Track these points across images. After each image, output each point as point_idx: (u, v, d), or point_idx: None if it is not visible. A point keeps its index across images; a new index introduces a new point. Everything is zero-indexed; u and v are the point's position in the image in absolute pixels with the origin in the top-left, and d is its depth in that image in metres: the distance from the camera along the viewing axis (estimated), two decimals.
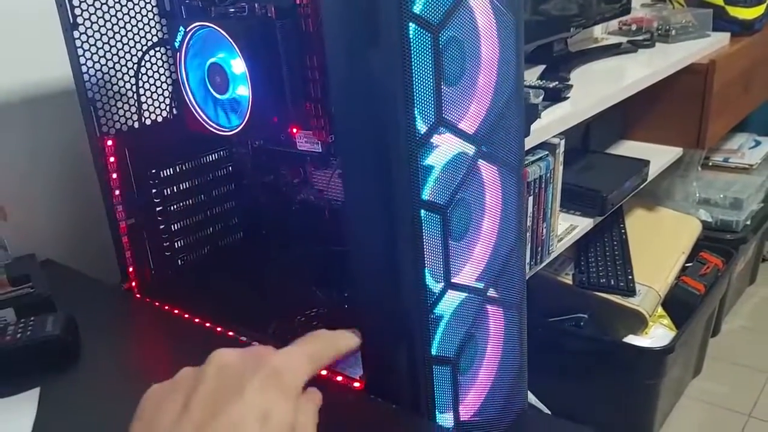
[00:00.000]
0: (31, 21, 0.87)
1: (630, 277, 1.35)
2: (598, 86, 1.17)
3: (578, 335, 1.31)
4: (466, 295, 0.59)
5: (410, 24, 0.48)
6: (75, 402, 0.61)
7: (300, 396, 0.38)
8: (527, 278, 0.88)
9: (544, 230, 1.01)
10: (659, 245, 1.48)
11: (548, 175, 0.98)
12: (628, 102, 1.20)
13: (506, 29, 0.57)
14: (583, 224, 1.14)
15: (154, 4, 0.79)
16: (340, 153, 0.58)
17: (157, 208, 0.83)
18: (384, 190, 0.54)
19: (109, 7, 0.75)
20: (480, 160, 0.58)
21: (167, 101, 0.83)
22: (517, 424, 0.69)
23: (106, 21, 0.75)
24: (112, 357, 0.68)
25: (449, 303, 0.58)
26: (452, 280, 0.58)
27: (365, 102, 0.53)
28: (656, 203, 1.65)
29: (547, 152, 0.97)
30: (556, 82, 1.07)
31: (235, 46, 0.68)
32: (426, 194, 0.53)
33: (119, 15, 0.76)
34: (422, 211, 0.53)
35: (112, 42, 0.76)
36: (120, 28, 0.76)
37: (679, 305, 1.41)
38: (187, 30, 0.71)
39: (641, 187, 1.28)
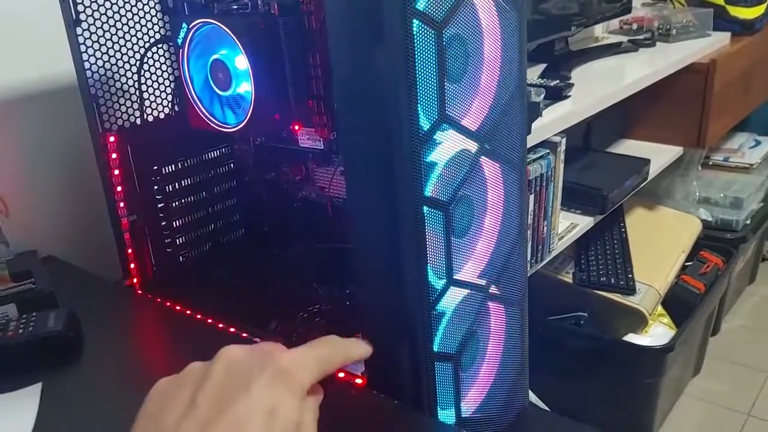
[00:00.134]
0: (33, 17, 0.87)
1: (630, 275, 1.35)
2: (598, 85, 1.17)
3: (578, 334, 1.31)
4: (468, 291, 0.60)
5: (414, 21, 0.49)
6: (77, 397, 0.61)
7: (306, 395, 0.39)
8: (528, 276, 0.88)
9: (545, 228, 1.01)
10: (659, 244, 1.48)
11: (549, 173, 0.98)
12: (628, 101, 1.20)
13: (509, 27, 0.58)
14: (584, 223, 1.14)
15: (157, 1, 0.79)
16: (343, 150, 0.59)
17: (159, 205, 0.83)
18: (387, 186, 0.54)
19: (112, 4, 0.75)
20: (482, 157, 0.58)
21: (170, 98, 0.83)
22: (518, 421, 0.69)
23: (108, 17, 0.75)
24: (114, 353, 0.68)
25: (451, 300, 0.58)
26: (454, 277, 0.58)
27: (368, 99, 0.53)
28: (656, 202, 1.65)
29: (548, 150, 0.97)
30: (557, 81, 1.08)
31: (237, 42, 0.68)
32: (429, 191, 0.53)
33: (122, 11, 0.76)
34: (425, 207, 0.54)
35: (115, 38, 0.76)
36: (123, 24, 0.76)
37: (679, 304, 1.41)
38: (190, 26, 0.71)
39: (642, 185, 1.29)
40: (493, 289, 0.63)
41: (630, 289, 1.32)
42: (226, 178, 0.90)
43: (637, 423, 1.34)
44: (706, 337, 1.58)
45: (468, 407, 0.63)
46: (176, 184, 0.85)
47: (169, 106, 0.83)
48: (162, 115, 0.82)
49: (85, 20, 0.73)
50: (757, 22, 1.62)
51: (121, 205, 0.79)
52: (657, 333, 1.33)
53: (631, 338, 1.31)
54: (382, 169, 0.54)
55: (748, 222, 1.70)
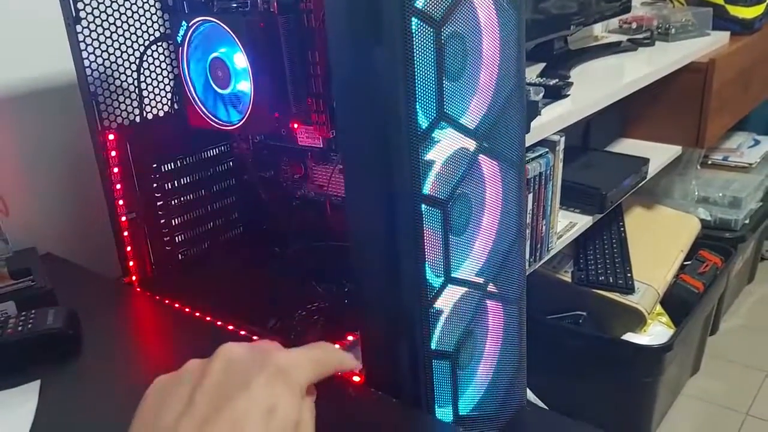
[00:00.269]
0: (33, 15, 0.87)
1: (629, 274, 1.35)
2: (598, 84, 1.17)
3: (577, 333, 1.31)
4: (466, 290, 0.60)
5: (413, 19, 0.49)
6: (75, 395, 0.61)
7: (305, 395, 0.39)
8: (526, 275, 0.88)
9: (544, 227, 1.01)
10: (658, 243, 1.48)
11: (548, 172, 0.98)
12: (627, 100, 1.20)
13: (508, 25, 0.58)
14: (583, 222, 1.14)
15: None
16: (342, 148, 0.59)
17: (158, 203, 0.83)
18: (385, 184, 0.54)
19: (112, 2, 0.75)
20: (481, 155, 0.58)
21: (169, 96, 0.83)
22: (516, 419, 0.70)
23: (108, 15, 0.75)
24: (113, 350, 0.68)
25: (449, 298, 0.58)
26: (452, 275, 0.58)
27: (367, 97, 0.53)
28: (655, 201, 1.65)
29: (547, 149, 0.97)
30: (557, 80, 1.08)
31: (237, 40, 0.68)
32: (427, 189, 0.54)
33: (122, 9, 0.76)
34: (423, 205, 0.54)
35: (115, 36, 0.76)
36: (122, 22, 0.76)
37: (677, 303, 1.41)
38: (190, 25, 0.72)
39: (640, 185, 1.29)
40: (491, 288, 0.63)
41: (629, 289, 1.32)
42: (225, 177, 0.90)
43: (635, 422, 1.35)
44: (704, 336, 1.58)
45: (466, 405, 0.63)
46: (175, 182, 0.85)
47: (169, 104, 0.83)
48: (161, 113, 0.83)
49: (85, 18, 0.73)
50: (756, 22, 1.62)
51: (121, 202, 0.80)
52: (655, 332, 1.33)
53: (630, 337, 1.31)
54: (381, 167, 0.54)
55: (747, 221, 1.70)
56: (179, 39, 0.73)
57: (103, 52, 0.75)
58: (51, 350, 0.65)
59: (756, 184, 1.77)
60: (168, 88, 0.83)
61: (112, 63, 0.76)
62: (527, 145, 0.89)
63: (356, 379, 0.64)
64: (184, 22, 0.72)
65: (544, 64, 1.27)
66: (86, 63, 0.74)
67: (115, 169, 0.78)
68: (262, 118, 0.71)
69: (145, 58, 0.79)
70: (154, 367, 0.61)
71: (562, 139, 1.00)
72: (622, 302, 1.31)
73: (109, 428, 0.54)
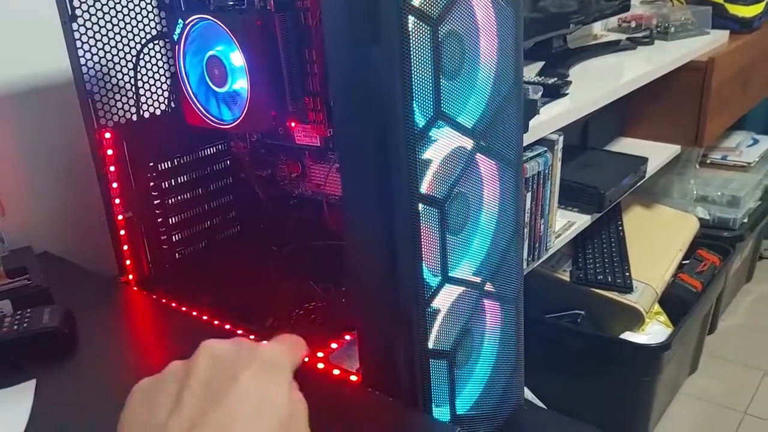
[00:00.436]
0: (28, 13, 0.87)
1: (627, 273, 1.35)
2: (597, 83, 1.17)
3: (575, 332, 1.31)
4: (464, 289, 0.60)
5: (409, 17, 0.48)
6: (71, 394, 0.61)
7: (293, 386, 0.38)
8: (524, 274, 0.88)
9: (542, 226, 1.01)
10: (657, 242, 1.48)
11: (546, 171, 0.98)
12: (626, 99, 1.20)
13: (506, 23, 0.57)
14: (581, 221, 1.14)
15: None
16: (338, 147, 0.58)
17: (155, 201, 0.83)
18: (382, 183, 0.54)
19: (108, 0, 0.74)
20: (478, 154, 0.58)
21: (166, 94, 0.83)
22: (514, 418, 0.69)
23: (105, 13, 0.75)
24: (109, 349, 0.68)
25: (446, 297, 0.58)
26: (449, 274, 0.58)
27: (364, 95, 0.52)
28: (654, 200, 1.65)
29: (545, 148, 0.97)
30: (555, 79, 1.07)
31: (233, 38, 0.68)
32: (424, 188, 0.53)
33: (118, 7, 0.76)
34: (420, 204, 0.53)
35: (111, 34, 0.76)
36: (119, 20, 0.76)
37: (675, 302, 1.41)
38: (186, 22, 0.71)
39: (639, 184, 1.28)
40: (488, 287, 0.63)
41: (627, 288, 1.32)
42: (223, 175, 0.90)
43: (633, 421, 1.34)
44: (702, 335, 1.58)
45: (463, 404, 0.63)
46: (172, 180, 0.84)
47: (166, 102, 0.83)
48: (158, 112, 0.82)
49: (81, 16, 0.72)
50: (755, 21, 1.62)
51: (117, 201, 0.79)
52: (654, 331, 1.33)
53: (628, 336, 1.31)
54: (378, 166, 0.53)
55: (746, 220, 1.70)
56: (176, 37, 0.73)
57: (99, 50, 0.75)
58: (46, 349, 0.65)
59: (755, 183, 1.77)
60: (165, 87, 0.82)
61: (108, 61, 0.76)
62: (526, 144, 0.89)
63: (353, 378, 0.64)
64: (180, 20, 0.72)
65: (542, 63, 1.26)
66: (82, 61, 0.73)
67: (112, 168, 0.78)
68: (259, 117, 0.71)
69: (141, 56, 0.79)
70: (150, 366, 0.61)
71: (561, 138, 1.00)
72: (620, 301, 1.31)
73: (105, 427, 0.53)
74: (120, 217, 0.80)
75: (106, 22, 0.75)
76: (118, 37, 0.76)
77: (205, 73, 0.73)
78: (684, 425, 1.45)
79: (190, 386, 0.34)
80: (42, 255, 0.86)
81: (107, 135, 0.77)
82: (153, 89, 0.81)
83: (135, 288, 0.82)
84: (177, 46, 0.73)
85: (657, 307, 1.39)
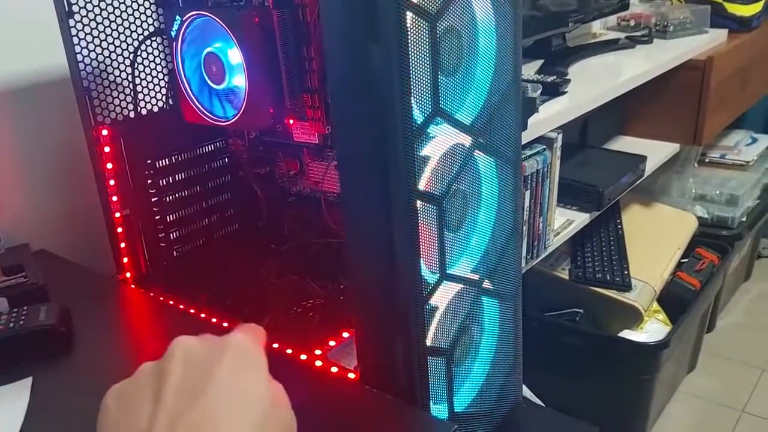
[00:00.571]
0: (25, 9, 0.86)
1: (626, 272, 1.34)
2: (595, 81, 1.16)
3: (574, 330, 1.31)
4: (462, 286, 0.59)
5: (408, 13, 0.48)
6: (67, 392, 0.61)
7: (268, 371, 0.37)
8: (523, 272, 0.88)
9: (541, 224, 1.00)
10: (655, 241, 1.48)
11: (545, 169, 0.97)
12: (625, 97, 1.20)
13: (504, 20, 0.57)
14: (580, 219, 1.13)
15: None
16: (337, 144, 0.58)
17: (153, 199, 0.83)
18: (380, 180, 0.53)
19: None
20: (477, 151, 0.58)
21: (163, 91, 0.82)
22: (512, 416, 0.69)
23: (102, 9, 0.74)
24: (106, 347, 0.68)
25: (444, 294, 0.58)
26: (447, 272, 0.58)
27: (362, 92, 0.52)
28: (653, 199, 1.65)
29: (544, 146, 0.97)
30: (554, 77, 1.07)
31: (231, 35, 0.68)
32: (422, 185, 0.53)
33: (115, 3, 0.75)
34: (418, 201, 0.53)
35: (108, 31, 0.75)
36: (116, 17, 0.76)
37: (674, 301, 1.41)
38: (184, 19, 0.71)
39: (638, 182, 1.28)
40: (486, 284, 0.62)
41: (626, 286, 1.32)
42: (220, 173, 0.90)
43: (631, 419, 1.34)
44: (701, 333, 1.58)
45: (461, 402, 0.63)
46: (170, 178, 0.84)
47: (163, 99, 0.83)
48: (156, 109, 0.82)
49: (78, 12, 0.72)
50: (754, 19, 1.62)
51: (114, 199, 0.79)
52: (652, 329, 1.33)
53: (627, 334, 1.31)
54: (376, 163, 0.53)
55: (744, 219, 1.70)
56: (173, 33, 0.73)
57: (96, 46, 0.74)
58: (43, 347, 0.65)
59: (753, 182, 1.77)
60: (162, 84, 0.82)
61: (105, 58, 0.76)
62: (525, 142, 0.89)
63: (351, 376, 0.64)
64: (178, 17, 0.72)
65: (542, 61, 1.26)
66: (79, 58, 0.73)
67: (109, 165, 0.78)
68: (257, 114, 0.71)
69: (139, 53, 0.79)
70: None
71: (560, 136, 0.99)
72: (619, 299, 1.31)
73: None
74: (117, 214, 0.80)
75: (104, 18, 0.75)
76: (115, 34, 0.76)
77: (203, 69, 0.73)
78: (682, 423, 1.45)
79: (167, 385, 0.33)
80: (39, 252, 0.86)
81: (104, 132, 0.77)
82: (150, 86, 0.81)
83: (132, 286, 0.82)
84: (174, 43, 0.73)
85: (655, 306, 1.39)
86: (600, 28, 1.63)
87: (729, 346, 1.67)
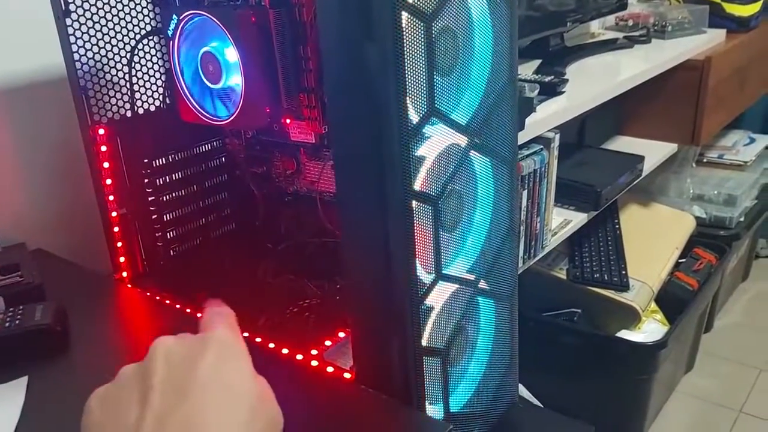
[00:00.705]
0: (22, 8, 0.86)
1: (623, 272, 1.35)
2: (593, 81, 1.16)
3: (571, 330, 1.31)
4: (457, 286, 0.59)
5: (403, 13, 0.48)
6: (63, 391, 0.61)
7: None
8: (521, 272, 0.88)
9: (538, 224, 1.00)
10: (653, 241, 1.48)
11: (543, 169, 0.97)
12: (623, 97, 1.20)
13: (500, 20, 0.57)
14: (578, 219, 1.13)
15: None
16: (333, 143, 0.58)
17: (149, 198, 0.83)
18: (376, 180, 0.53)
19: None
20: (472, 151, 0.58)
21: (160, 90, 0.82)
22: (508, 416, 0.69)
23: (99, 9, 0.74)
24: (102, 346, 0.68)
25: (440, 294, 0.58)
26: (443, 272, 0.58)
27: (358, 92, 0.52)
28: (651, 199, 1.65)
29: (541, 146, 0.97)
30: (552, 77, 1.07)
31: (228, 34, 0.67)
32: (418, 185, 0.53)
33: (112, 2, 0.75)
34: (414, 201, 0.53)
35: (105, 30, 0.75)
36: (113, 16, 0.76)
37: (672, 301, 1.41)
38: (181, 18, 0.71)
39: (636, 182, 1.28)
40: (482, 284, 0.62)
41: (623, 286, 1.32)
42: (218, 172, 0.90)
43: (629, 419, 1.34)
44: (698, 333, 1.58)
45: (457, 402, 0.63)
46: (167, 177, 0.84)
47: (160, 98, 0.83)
48: (153, 108, 0.82)
49: (75, 11, 0.72)
50: (752, 20, 1.62)
51: (111, 198, 0.79)
52: (650, 329, 1.33)
53: (624, 334, 1.31)
54: (372, 163, 0.53)
55: (742, 219, 1.70)
56: (170, 33, 0.73)
57: (93, 46, 0.74)
58: (39, 346, 0.65)
59: (751, 182, 1.77)
60: (159, 83, 0.82)
61: (102, 57, 0.76)
62: (522, 142, 0.89)
63: (347, 376, 0.64)
64: (174, 16, 0.72)
65: (539, 61, 1.26)
66: (76, 57, 0.73)
67: (106, 164, 0.78)
68: (254, 113, 0.71)
69: (135, 52, 0.79)
70: None
71: (557, 136, 0.99)
72: (616, 299, 1.31)
73: None
74: (114, 213, 0.80)
75: (100, 17, 0.74)
76: (112, 33, 0.76)
77: (200, 69, 0.73)
78: (680, 423, 1.45)
79: (152, 386, 0.33)
80: (35, 252, 0.86)
81: (101, 131, 0.76)
82: (147, 85, 0.81)
83: (129, 285, 0.82)
84: (171, 42, 0.73)
85: (653, 306, 1.39)
86: (598, 28, 1.63)
87: (727, 347, 1.67)
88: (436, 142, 0.54)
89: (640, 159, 1.29)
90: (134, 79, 0.79)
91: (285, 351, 0.68)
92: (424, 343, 0.57)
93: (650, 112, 1.47)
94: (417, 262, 0.55)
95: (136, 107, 0.80)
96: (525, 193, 0.95)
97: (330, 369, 0.65)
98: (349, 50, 0.51)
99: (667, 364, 1.36)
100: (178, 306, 0.77)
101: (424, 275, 0.56)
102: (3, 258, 0.77)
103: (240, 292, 0.80)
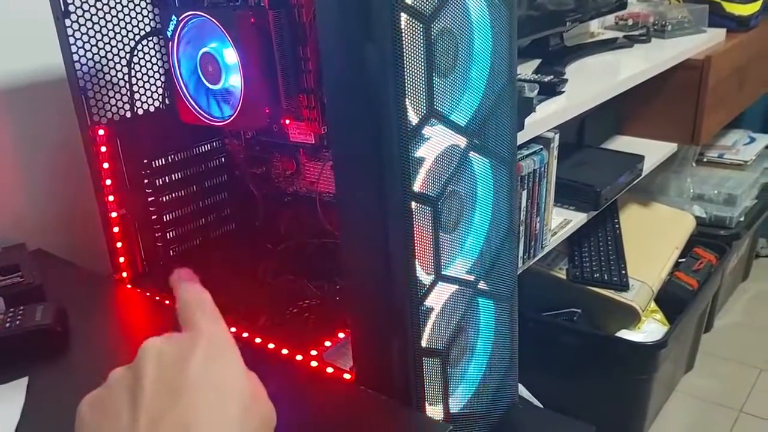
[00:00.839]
0: (22, 9, 0.86)
1: (623, 272, 1.35)
2: (593, 81, 1.16)
3: (571, 330, 1.31)
4: (457, 287, 0.59)
5: (402, 14, 0.48)
6: (63, 392, 0.61)
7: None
8: (520, 272, 0.88)
9: (538, 224, 1.00)
10: (653, 240, 1.48)
11: (542, 169, 0.97)
12: (623, 97, 1.20)
13: (499, 21, 0.57)
14: (577, 219, 1.13)
15: None
16: (332, 144, 0.58)
17: (149, 199, 0.83)
18: (375, 181, 0.53)
19: None
20: (472, 152, 0.58)
21: (160, 91, 0.82)
22: (508, 417, 0.69)
23: (98, 9, 0.74)
24: (102, 347, 0.68)
25: (440, 295, 0.58)
26: (443, 273, 0.58)
27: (357, 93, 0.52)
28: (650, 199, 1.65)
29: (541, 146, 0.97)
30: (552, 77, 1.07)
31: (227, 35, 0.67)
32: (417, 186, 0.53)
33: (111, 3, 0.75)
34: (413, 203, 0.53)
35: (104, 31, 0.75)
36: (112, 16, 0.76)
37: (672, 300, 1.41)
38: (180, 19, 0.71)
39: (635, 182, 1.28)
40: (482, 285, 0.62)
41: (623, 286, 1.32)
42: (217, 173, 0.90)
43: (629, 419, 1.35)
44: (698, 333, 1.58)
45: (456, 403, 0.63)
46: (166, 178, 0.84)
47: (160, 99, 0.83)
48: (152, 109, 0.82)
49: (74, 12, 0.72)
50: (752, 19, 1.62)
51: (111, 198, 0.79)
52: (650, 329, 1.33)
53: (624, 334, 1.31)
54: (371, 164, 0.53)
55: (742, 219, 1.70)
56: (169, 33, 0.73)
57: (92, 46, 0.74)
58: (39, 347, 0.65)
59: (751, 182, 1.77)
60: (159, 84, 0.82)
61: (101, 58, 0.76)
62: (521, 142, 0.89)
63: (346, 377, 0.64)
64: (174, 17, 0.72)
65: (539, 61, 1.26)
66: (75, 58, 0.73)
67: (105, 165, 0.78)
68: (253, 114, 0.71)
69: (135, 52, 0.79)
70: None
71: (557, 136, 0.99)
72: (616, 299, 1.31)
73: None
74: (114, 214, 0.80)
75: (100, 18, 0.74)
76: (111, 34, 0.76)
77: (199, 69, 0.73)
78: (680, 423, 1.45)
79: (143, 388, 0.32)
80: (35, 252, 0.86)
81: (101, 132, 0.76)
82: (147, 86, 0.81)
83: (129, 285, 0.82)
84: (171, 43, 0.73)
85: (653, 305, 1.39)
86: (598, 28, 1.63)
87: (727, 346, 1.67)
88: (435, 143, 0.54)
89: (640, 159, 1.29)
90: (134, 80, 0.79)
91: (284, 351, 0.68)
92: (423, 343, 0.57)
93: (650, 111, 1.47)
94: (416, 263, 0.55)
95: (135, 108, 0.80)
96: (524, 193, 0.95)
97: (330, 370, 0.65)
98: (349, 51, 0.51)
99: (667, 363, 1.36)
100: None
101: (424, 276, 0.56)
102: (3, 258, 0.77)
103: (240, 293, 0.81)
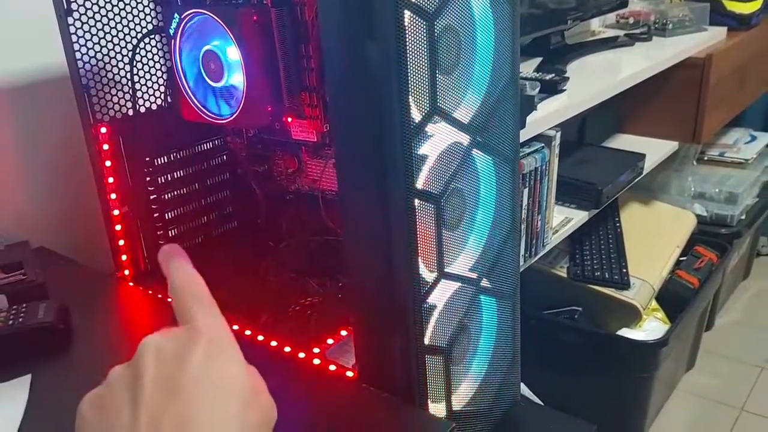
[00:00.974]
0: (24, 7, 0.86)
1: (624, 270, 1.35)
2: (594, 79, 1.16)
3: (572, 328, 1.31)
4: (460, 285, 0.60)
5: (405, 11, 0.48)
6: (66, 389, 0.61)
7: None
8: (522, 270, 0.88)
9: (539, 222, 1.01)
10: (654, 239, 1.48)
11: (544, 167, 0.97)
12: (624, 95, 1.20)
13: (502, 18, 0.57)
14: (578, 217, 1.14)
15: None
16: (335, 142, 0.58)
17: (151, 197, 0.83)
18: (378, 179, 0.53)
19: None
20: (474, 149, 0.58)
21: (162, 89, 0.82)
22: (510, 414, 0.69)
23: (100, 7, 0.74)
24: (104, 344, 0.68)
25: (442, 293, 0.58)
26: (445, 270, 0.58)
27: (360, 90, 0.52)
28: (651, 197, 1.65)
29: (542, 144, 0.97)
30: (553, 75, 1.07)
31: (229, 33, 0.67)
32: (420, 183, 0.53)
33: (114, 1, 0.75)
34: (416, 200, 0.53)
35: (107, 29, 0.75)
36: (115, 14, 0.76)
37: (673, 299, 1.41)
38: (182, 17, 0.71)
39: (636, 180, 1.28)
40: (484, 283, 0.62)
41: (624, 284, 1.32)
42: (219, 171, 0.90)
43: (630, 417, 1.35)
44: (699, 332, 1.58)
45: (459, 400, 0.63)
46: (168, 175, 0.84)
47: (162, 97, 0.83)
48: (154, 107, 0.82)
49: (77, 10, 0.72)
50: (753, 17, 1.62)
51: (113, 196, 0.79)
52: (651, 327, 1.33)
53: (625, 333, 1.31)
54: (374, 162, 0.53)
55: (743, 217, 1.70)
56: (172, 31, 0.73)
57: (95, 44, 0.74)
58: (42, 344, 0.65)
59: (752, 180, 1.77)
60: (161, 81, 0.82)
61: (104, 55, 0.76)
62: (523, 140, 0.89)
63: (349, 374, 0.64)
64: (176, 15, 0.72)
65: (540, 59, 1.26)
66: (78, 55, 0.73)
67: (108, 163, 0.78)
68: (255, 112, 0.71)
69: (137, 50, 0.79)
70: None
71: (558, 134, 0.99)
72: (617, 298, 1.31)
73: None
74: (116, 212, 0.80)
75: (102, 16, 0.74)
76: (114, 32, 0.76)
77: (202, 67, 0.73)
78: (681, 422, 1.46)
79: (142, 386, 0.32)
80: (38, 250, 0.86)
81: (103, 130, 0.76)
82: (149, 84, 0.81)
83: (131, 283, 0.82)
84: (173, 41, 0.73)
85: (654, 304, 1.39)
86: (599, 26, 1.63)
87: (728, 345, 1.67)
88: (438, 141, 0.54)
89: (641, 157, 1.29)
90: (136, 78, 0.79)
91: (287, 349, 0.68)
92: (426, 341, 0.58)
93: (651, 110, 1.47)
94: (419, 260, 0.55)
95: (137, 106, 0.80)
96: (526, 191, 0.95)
97: (332, 367, 0.65)
98: (351, 49, 0.51)
99: (668, 362, 1.36)
100: None
101: (427, 273, 0.56)
102: (6, 256, 0.77)
103: (242, 291, 0.81)
